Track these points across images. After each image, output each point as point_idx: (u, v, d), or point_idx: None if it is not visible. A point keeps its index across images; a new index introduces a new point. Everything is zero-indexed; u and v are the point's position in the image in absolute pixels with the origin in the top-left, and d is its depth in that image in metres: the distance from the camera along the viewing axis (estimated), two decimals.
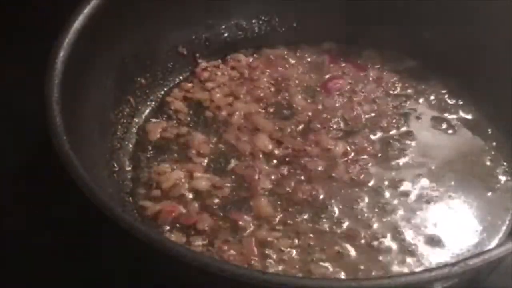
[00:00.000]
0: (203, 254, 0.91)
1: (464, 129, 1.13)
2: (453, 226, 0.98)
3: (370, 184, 1.03)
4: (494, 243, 0.97)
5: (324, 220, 0.98)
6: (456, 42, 1.18)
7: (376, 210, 0.99)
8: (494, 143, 1.10)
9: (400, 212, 0.99)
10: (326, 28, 1.26)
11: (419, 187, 1.03)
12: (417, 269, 0.92)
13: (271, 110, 1.15)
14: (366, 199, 1.01)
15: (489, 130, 1.12)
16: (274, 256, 0.93)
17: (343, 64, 1.23)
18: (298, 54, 1.25)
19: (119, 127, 1.10)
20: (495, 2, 1.12)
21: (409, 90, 1.19)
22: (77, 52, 0.95)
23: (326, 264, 0.92)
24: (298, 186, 1.02)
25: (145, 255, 0.84)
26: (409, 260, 0.93)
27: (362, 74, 1.21)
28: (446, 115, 1.15)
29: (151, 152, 1.09)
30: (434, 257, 0.94)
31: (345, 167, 1.05)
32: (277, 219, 0.97)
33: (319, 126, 1.11)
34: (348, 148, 1.08)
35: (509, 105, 1.09)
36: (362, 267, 0.92)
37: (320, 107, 1.15)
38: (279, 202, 1.00)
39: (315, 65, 1.23)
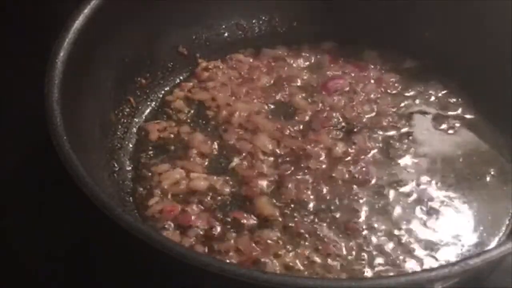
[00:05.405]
0: (203, 254, 0.91)
1: (464, 129, 1.13)
2: (453, 226, 0.98)
3: (371, 184, 1.03)
4: (494, 243, 0.97)
5: (324, 220, 0.98)
6: (456, 42, 1.18)
7: (377, 210, 0.99)
8: (494, 143, 1.10)
9: (400, 212, 0.99)
10: (326, 28, 1.26)
11: (419, 187, 1.03)
12: (417, 269, 0.92)
13: (271, 110, 1.15)
14: (366, 199, 1.01)
15: (489, 130, 1.12)
16: (275, 256, 0.93)
17: (343, 64, 1.23)
18: (298, 54, 1.25)
19: (119, 127, 1.10)
20: (495, 2, 1.12)
21: (409, 90, 1.18)
22: (77, 52, 0.95)
23: (327, 264, 0.92)
24: (298, 186, 1.02)
25: (145, 255, 0.84)
26: (409, 260, 0.93)
27: (362, 74, 1.21)
28: (446, 115, 1.15)
29: (151, 152, 1.09)
30: (434, 257, 0.94)
31: (345, 167, 1.05)
32: (278, 219, 0.98)
33: (319, 126, 1.11)
34: (348, 148, 1.08)
35: (509, 105, 1.09)
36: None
37: (320, 107, 1.15)
38: (279, 202, 1.00)
39: (315, 65, 1.23)
